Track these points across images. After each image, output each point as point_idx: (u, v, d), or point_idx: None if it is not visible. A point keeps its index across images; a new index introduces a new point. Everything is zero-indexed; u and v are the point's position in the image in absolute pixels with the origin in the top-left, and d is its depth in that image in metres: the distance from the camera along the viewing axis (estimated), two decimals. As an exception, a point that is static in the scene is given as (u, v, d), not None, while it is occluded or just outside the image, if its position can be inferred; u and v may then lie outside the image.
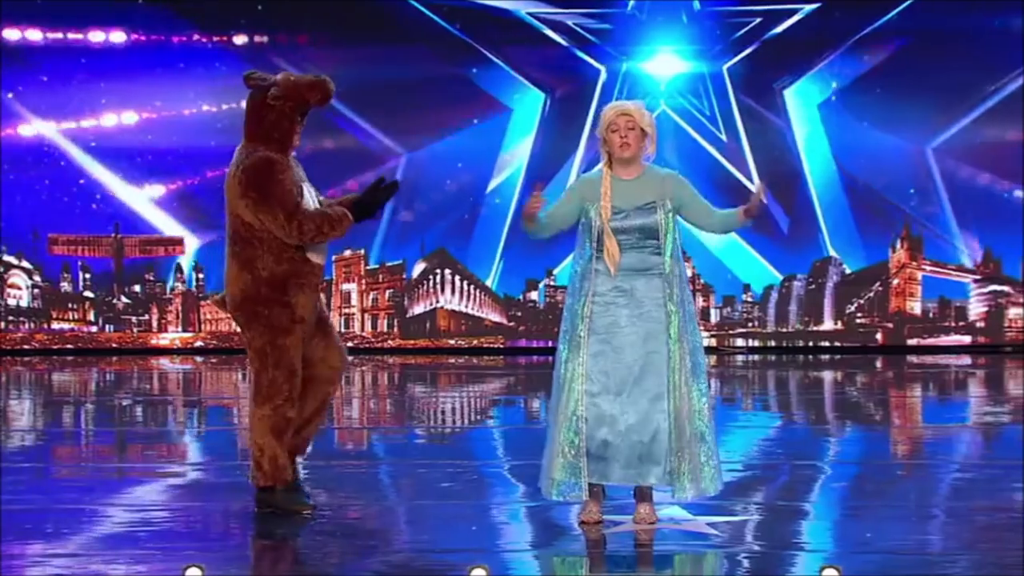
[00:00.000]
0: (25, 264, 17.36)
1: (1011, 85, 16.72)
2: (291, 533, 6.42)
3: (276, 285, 6.60)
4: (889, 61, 16.90)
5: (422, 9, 16.88)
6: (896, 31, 16.84)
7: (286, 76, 6.72)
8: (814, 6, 16.89)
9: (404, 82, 16.98)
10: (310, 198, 6.69)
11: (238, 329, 6.84)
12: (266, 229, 6.54)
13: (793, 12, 16.93)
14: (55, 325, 17.37)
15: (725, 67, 17.11)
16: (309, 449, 7.01)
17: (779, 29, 16.97)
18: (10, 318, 17.40)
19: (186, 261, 17.24)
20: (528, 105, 17.17)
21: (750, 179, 16.95)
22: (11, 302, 17.36)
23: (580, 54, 17.05)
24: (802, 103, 17.12)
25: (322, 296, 7.00)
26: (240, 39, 16.97)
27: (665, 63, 17.13)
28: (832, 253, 17.08)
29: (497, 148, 17.19)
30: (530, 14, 17.03)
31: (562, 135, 17.06)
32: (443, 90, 17.02)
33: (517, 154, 17.18)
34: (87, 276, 17.39)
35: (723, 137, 17.14)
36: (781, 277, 17.16)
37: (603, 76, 17.06)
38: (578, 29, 17.09)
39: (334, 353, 6.88)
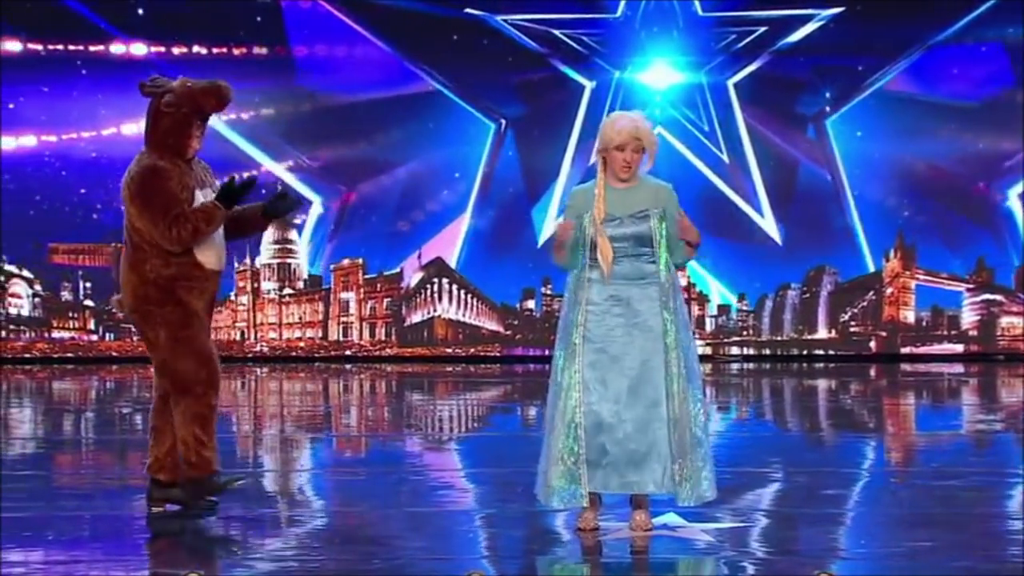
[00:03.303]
0: (26, 273, 17.42)
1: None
2: (288, 538, 6.49)
3: (163, 287, 6.68)
4: (919, 75, 16.67)
5: (359, 39, 16.88)
6: (926, 40, 16.60)
7: (182, 82, 6.79)
8: (834, 11, 16.68)
9: (388, 96, 17.06)
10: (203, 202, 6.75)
11: (136, 332, 6.93)
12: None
13: (807, 19, 16.64)
14: (55, 334, 17.42)
15: (731, 81, 16.90)
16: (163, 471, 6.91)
17: (794, 38, 16.74)
18: (11, 327, 17.46)
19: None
20: (507, 119, 17.17)
21: (754, 204, 16.82)
22: (12, 311, 17.42)
23: (565, 69, 16.94)
24: (831, 122, 16.87)
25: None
26: (239, 50, 17.04)
27: (659, 75, 16.99)
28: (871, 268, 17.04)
29: (478, 161, 17.22)
30: (505, 21, 16.92)
31: (546, 148, 17.04)
32: (423, 104, 17.07)
33: (498, 166, 17.22)
34: (87, 285, 17.44)
35: (724, 156, 16.97)
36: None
37: (588, 90, 16.95)
38: (565, 39, 16.95)
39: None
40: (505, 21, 16.95)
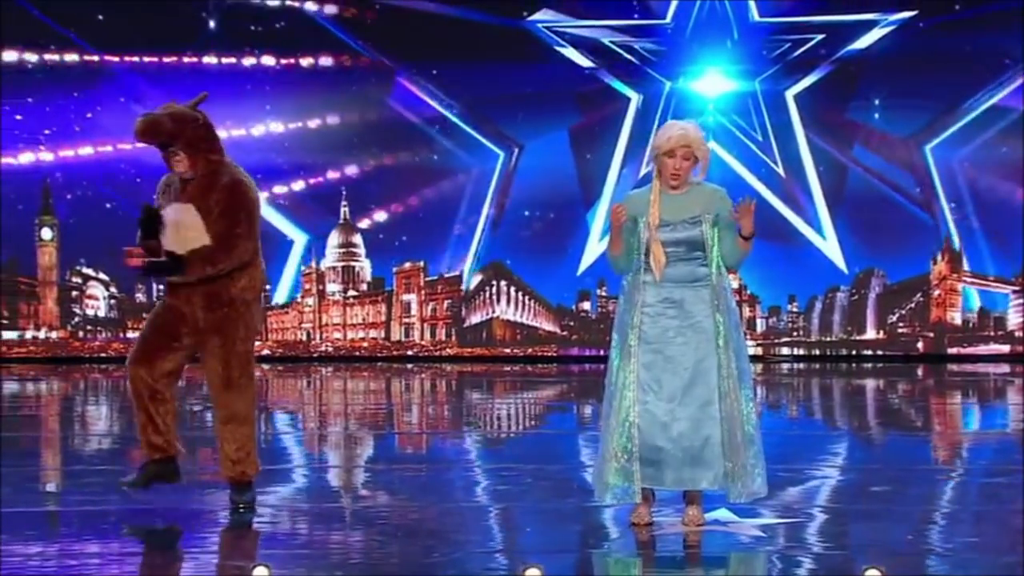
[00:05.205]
0: (102, 276, 17.76)
1: None
2: (353, 534, 6.69)
3: None
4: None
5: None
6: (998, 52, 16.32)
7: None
8: (903, 16, 16.43)
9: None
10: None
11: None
12: None
13: (872, 24, 16.49)
14: (131, 334, 17.74)
15: (791, 93, 16.78)
16: (237, 469, 7.00)
17: (858, 45, 16.48)
18: (88, 328, 17.83)
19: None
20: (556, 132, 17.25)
21: (814, 224, 16.70)
22: (89, 312, 17.78)
23: (612, 82, 16.91)
24: (930, 147, 16.63)
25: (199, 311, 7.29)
26: (306, 61, 17.31)
27: (711, 83, 16.73)
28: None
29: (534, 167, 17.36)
30: (550, 29, 16.95)
31: (599, 156, 17.11)
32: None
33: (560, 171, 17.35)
34: (161, 287, 17.74)
35: (779, 169, 16.86)
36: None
37: (633, 103, 16.91)
38: (614, 47, 16.91)
39: (206, 371, 7.15)
40: (550, 30, 17.02)
